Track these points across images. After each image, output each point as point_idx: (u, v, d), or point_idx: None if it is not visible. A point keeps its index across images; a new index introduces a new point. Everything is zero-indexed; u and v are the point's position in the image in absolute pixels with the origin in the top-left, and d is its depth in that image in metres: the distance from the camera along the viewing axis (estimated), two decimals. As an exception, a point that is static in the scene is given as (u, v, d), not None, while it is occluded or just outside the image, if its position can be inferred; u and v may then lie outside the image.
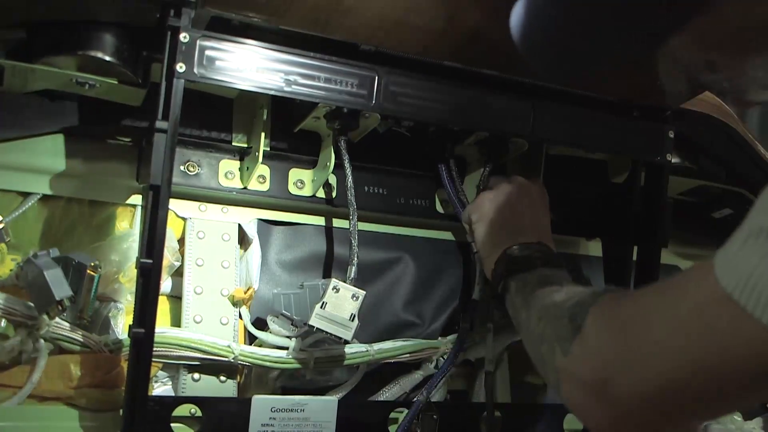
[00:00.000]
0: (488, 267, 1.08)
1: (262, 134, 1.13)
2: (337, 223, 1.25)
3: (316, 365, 1.11)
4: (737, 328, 0.57)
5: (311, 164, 1.20)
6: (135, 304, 0.95)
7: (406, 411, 1.16)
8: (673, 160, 1.24)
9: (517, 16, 0.68)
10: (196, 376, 1.09)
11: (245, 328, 1.14)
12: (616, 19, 0.62)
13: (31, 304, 0.99)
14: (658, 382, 0.65)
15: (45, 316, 0.99)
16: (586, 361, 0.72)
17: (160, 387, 1.09)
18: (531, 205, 1.11)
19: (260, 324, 1.15)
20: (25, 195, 1.09)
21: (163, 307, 1.13)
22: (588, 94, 1.16)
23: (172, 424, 1.03)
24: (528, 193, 1.12)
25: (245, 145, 1.18)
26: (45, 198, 1.10)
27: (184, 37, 0.94)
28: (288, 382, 1.15)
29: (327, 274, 1.23)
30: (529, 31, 0.68)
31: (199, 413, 1.04)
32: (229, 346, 1.08)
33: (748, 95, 0.68)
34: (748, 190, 1.41)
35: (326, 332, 1.05)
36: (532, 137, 1.17)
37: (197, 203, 1.16)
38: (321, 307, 1.05)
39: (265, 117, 1.15)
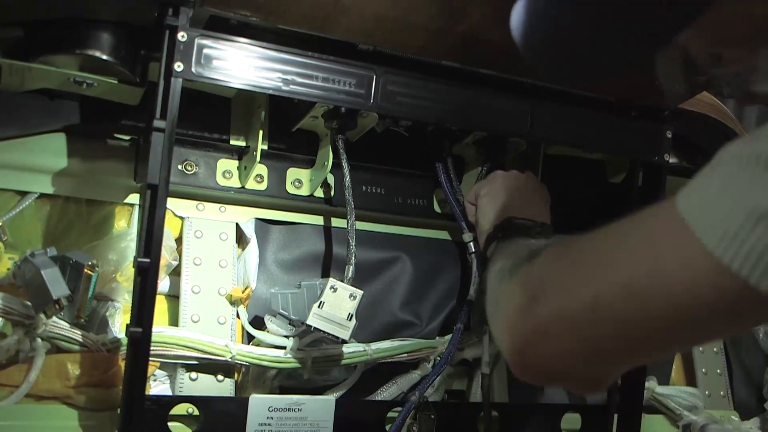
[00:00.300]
0: (484, 234, 1.05)
1: (260, 133, 1.13)
2: (334, 222, 1.25)
3: (313, 365, 1.11)
4: (685, 256, 0.54)
5: (309, 164, 1.20)
6: (132, 303, 0.95)
7: (403, 410, 1.16)
8: (671, 160, 1.24)
9: (517, 16, 0.67)
10: (194, 375, 1.09)
11: (243, 328, 1.14)
12: (619, 20, 0.62)
13: (29, 303, 0.99)
14: (583, 299, 0.60)
15: (42, 315, 0.99)
16: (523, 283, 0.69)
17: (158, 386, 1.09)
18: (541, 195, 1.11)
19: (258, 323, 1.15)
20: (23, 194, 1.08)
21: (161, 306, 1.13)
22: (586, 94, 1.16)
23: (169, 423, 1.03)
24: (539, 185, 1.12)
25: (243, 145, 1.18)
26: (42, 197, 1.09)
27: (182, 36, 0.94)
28: (285, 382, 1.15)
29: (325, 274, 1.23)
30: (530, 32, 0.67)
31: (196, 412, 1.04)
32: (226, 346, 1.08)
33: (754, 87, 0.67)
34: (745, 190, 1.41)
35: (324, 332, 1.05)
36: (530, 137, 1.17)
37: (195, 202, 1.16)
38: (319, 307, 1.05)
39: (262, 116, 1.15)
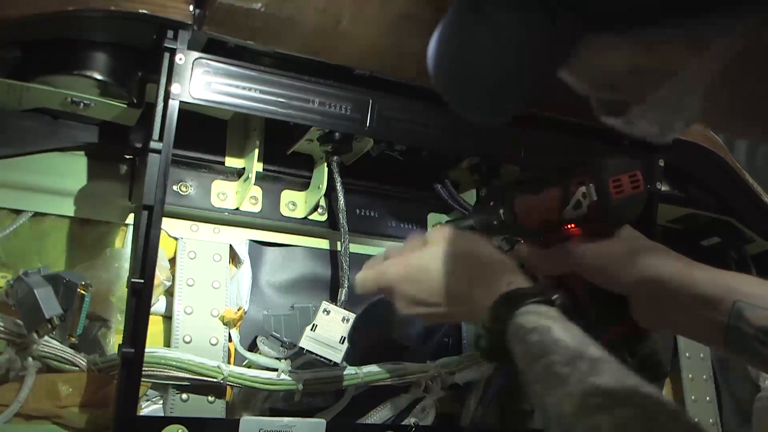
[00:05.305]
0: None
1: (255, 155, 1.14)
2: (328, 245, 1.25)
3: (305, 387, 1.11)
4: None
5: (304, 186, 1.21)
6: (125, 324, 0.95)
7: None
8: (662, 188, 1.25)
9: (430, 48, 0.63)
10: (185, 396, 1.09)
11: (235, 349, 1.14)
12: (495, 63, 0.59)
13: (21, 322, 0.99)
14: None
15: (34, 335, 0.98)
16: None
17: (149, 406, 1.09)
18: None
19: (250, 345, 1.15)
20: (17, 212, 1.09)
21: (154, 326, 1.13)
22: (579, 122, 1.17)
23: (160, 445, 1.02)
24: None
25: (238, 166, 1.18)
26: (37, 215, 1.10)
27: (180, 59, 0.95)
28: (277, 404, 1.15)
29: (318, 296, 1.23)
30: (434, 65, 0.63)
31: (187, 434, 1.04)
32: (218, 367, 1.07)
33: (655, 137, 0.64)
34: (736, 219, 1.42)
35: (316, 354, 1.05)
36: (524, 164, 1.17)
37: (189, 223, 1.17)
38: (311, 329, 1.06)
39: (258, 139, 1.16)
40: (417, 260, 0.93)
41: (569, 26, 0.52)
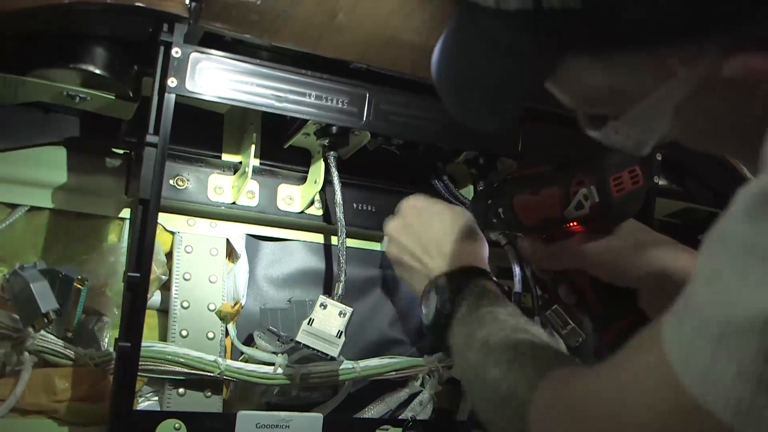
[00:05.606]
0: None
1: (252, 149, 1.14)
2: (325, 239, 1.25)
3: (302, 381, 1.11)
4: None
5: (300, 180, 1.20)
6: (122, 318, 0.95)
7: (391, 428, 1.16)
8: (660, 182, 1.25)
9: (434, 57, 0.69)
10: (182, 390, 1.09)
11: (232, 343, 1.14)
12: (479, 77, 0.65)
13: (17, 317, 0.98)
14: None
15: (30, 329, 0.98)
16: (533, 420, 0.64)
17: (145, 401, 1.09)
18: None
19: (247, 339, 1.15)
20: (13, 207, 1.08)
21: (150, 320, 1.13)
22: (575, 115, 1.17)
23: (156, 440, 1.02)
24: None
25: (235, 160, 1.18)
26: (33, 210, 1.09)
27: (176, 52, 0.94)
28: (273, 398, 1.15)
29: (315, 291, 1.23)
30: (437, 74, 0.69)
31: (183, 429, 1.04)
32: (215, 361, 1.07)
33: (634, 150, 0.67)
34: (734, 213, 1.42)
35: (313, 348, 1.05)
36: (521, 158, 1.17)
37: (186, 217, 1.16)
38: (308, 324, 1.06)
39: (255, 132, 1.15)
40: (417, 218, 0.99)
41: (552, 47, 0.58)
